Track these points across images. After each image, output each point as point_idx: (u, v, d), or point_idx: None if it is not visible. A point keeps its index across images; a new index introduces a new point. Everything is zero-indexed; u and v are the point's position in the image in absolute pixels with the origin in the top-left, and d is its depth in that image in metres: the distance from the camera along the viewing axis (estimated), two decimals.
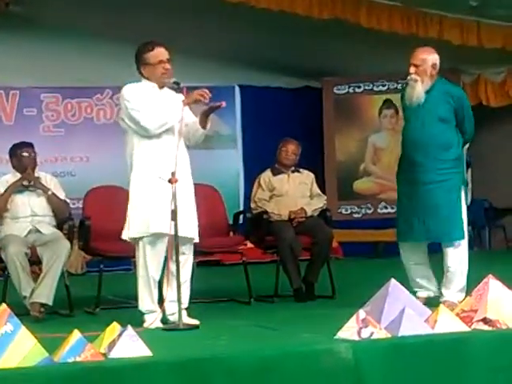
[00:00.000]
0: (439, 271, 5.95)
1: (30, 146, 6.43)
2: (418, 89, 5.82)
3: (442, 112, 5.85)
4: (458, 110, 5.88)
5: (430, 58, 5.86)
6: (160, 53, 5.40)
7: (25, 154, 6.34)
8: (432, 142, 5.80)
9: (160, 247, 5.25)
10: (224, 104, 5.34)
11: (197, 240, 5.42)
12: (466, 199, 6.03)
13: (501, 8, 9.72)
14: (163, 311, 5.32)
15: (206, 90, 5.32)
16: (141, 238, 5.29)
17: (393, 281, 4.52)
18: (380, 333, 4.09)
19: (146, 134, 5.30)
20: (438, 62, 5.88)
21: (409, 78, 5.86)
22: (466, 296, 5.44)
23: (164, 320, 5.34)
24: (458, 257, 5.85)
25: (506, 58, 11.13)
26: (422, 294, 5.89)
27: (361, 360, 3.90)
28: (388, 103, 11.91)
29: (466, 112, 5.95)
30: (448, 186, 5.82)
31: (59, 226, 6.35)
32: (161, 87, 5.43)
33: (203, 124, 5.40)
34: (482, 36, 10.33)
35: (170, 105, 5.33)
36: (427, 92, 5.85)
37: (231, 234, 7.06)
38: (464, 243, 5.89)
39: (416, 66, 5.82)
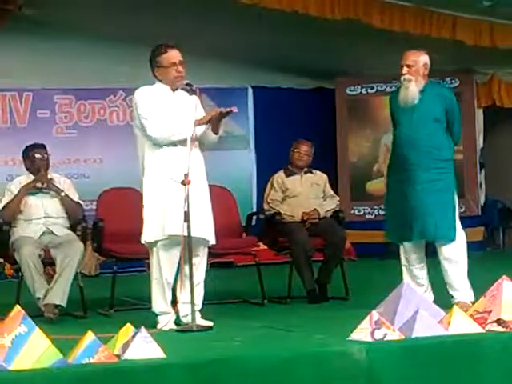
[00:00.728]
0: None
1: (43, 147, 6.45)
2: (413, 89, 5.89)
3: (436, 112, 5.92)
4: (449, 111, 5.96)
5: (421, 58, 5.93)
6: (173, 55, 5.41)
7: (37, 155, 6.36)
8: (427, 141, 5.86)
9: (174, 250, 5.26)
10: (236, 109, 5.33)
11: (213, 242, 5.42)
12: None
13: None
14: (177, 313, 5.33)
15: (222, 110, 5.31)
16: (155, 242, 5.30)
17: (406, 282, 4.52)
18: (393, 334, 4.08)
19: (153, 142, 5.31)
20: (428, 62, 5.95)
21: (402, 78, 5.92)
22: (475, 295, 5.45)
23: (177, 321, 5.35)
24: (455, 256, 5.87)
25: None
26: None
27: (374, 361, 3.90)
28: None
29: (456, 114, 6.02)
30: (442, 185, 5.87)
31: (73, 228, 6.37)
32: (174, 89, 5.44)
33: (215, 129, 5.39)
34: (495, 36, 10.28)
35: (182, 116, 5.31)
36: (421, 92, 5.91)
37: (244, 235, 7.06)
38: (459, 244, 5.88)
39: (409, 66, 5.89)
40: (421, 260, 5.99)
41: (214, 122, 5.38)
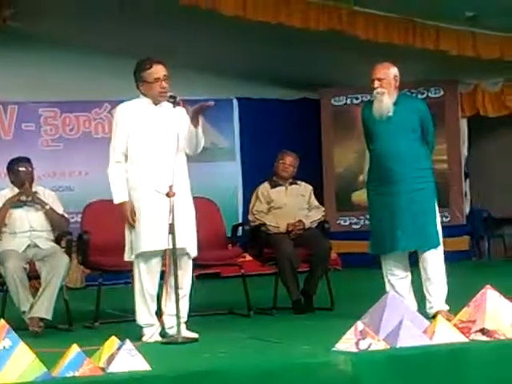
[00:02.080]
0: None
1: (27, 160, 6.45)
2: (387, 101, 5.94)
3: (412, 123, 5.98)
4: (424, 121, 6.02)
5: (391, 71, 5.99)
6: (157, 71, 5.42)
7: (22, 168, 6.36)
8: (407, 151, 5.92)
9: (154, 262, 5.28)
10: (213, 103, 5.34)
11: (194, 254, 5.42)
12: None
13: (496, 18, 9.74)
14: (162, 325, 5.33)
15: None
16: (136, 256, 5.32)
17: (391, 292, 4.54)
18: (378, 344, 4.10)
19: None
20: (398, 74, 6.01)
21: (375, 92, 5.97)
22: (460, 305, 5.49)
23: (163, 333, 5.34)
24: (439, 263, 5.94)
25: (502, 68, 11.15)
26: None
27: (359, 372, 3.91)
28: None
29: (430, 124, 6.09)
30: (425, 194, 5.95)
31: (58, 241, 6.37)
32: (158, 103, 5.46)
33: (195, 123, 5.39)
34: (478, 46, 10.34)
35: (163, 129, 5.36)
36: (394, 104, 5.96)
37: (230, 246, 7.07)
38: (441, 251, 5.96)
39: (380, 79, 5.95)
40: (404, 270, 6.02)
41: (192, 116, 5.38)
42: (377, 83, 5.94)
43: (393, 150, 5.92)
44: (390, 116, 5.94)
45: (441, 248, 5.95)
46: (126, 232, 5.40)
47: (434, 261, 5.91)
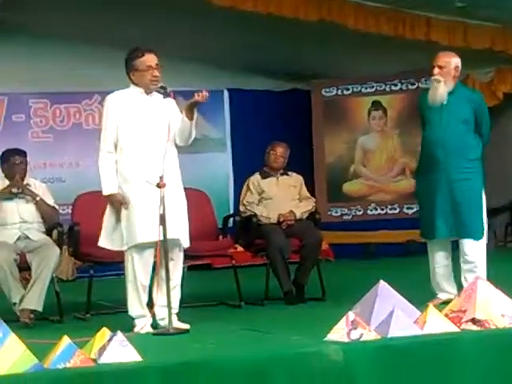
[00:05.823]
0: None
1: (23, 153, 6.43)
2: (442, 89, 6.02)
3: (465, 114, 6.06)
4: (477, 113, 6.11)
5: (453, 60, 6.09)
6: (149, 59, 5.41)
7: (17, 161, 6.34)
8: (455, 141, 6.00)
9: (147, 253, 5.27)
10: (207, 94, 5.29)
11: (187, 245, 5.42)
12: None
13: (487, 8, 9.74)
14: (153, 316, 5.32)
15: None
16: (129, 247, 5.31)
17: (382, 282, 4.54)
18: (369, 334, 4.10)
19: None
20: (460, 65, 6.10)
21: (432, 78, 6.07)
22: None
23: (154, 325, 5.35)
24: (479, 253, 6.03)
25: (493, 59, 11.15)
26: (443, 296, 5.98)
27: (351, 362, 3.91)
28: (376, 105, 11.91)
29: (484, 116, 6.17)
30: (470, 184, 6.06)
31: (48, 232, 6.35)
32: (148, 93, 5.44)
33: (189, 116, 5.37)
34: (469, 37, 10.35)
35: (154, 119, 5.35)
36: (449, 94, 6.04)
37: (221, 237, 7.06)
38: (484, 240, 6.06)
39: (440, 67, 6.04)
40: (446, 258, 6.12)
41: (187, 109, 5.36)
42: (436, 70, 6.03)
43: (441, 138, 6.01)
44: (444, 104, 6.02)
45: (483, 239, 6.03)
46: (108, 220, 5.42)
47: (474, 250, 5.99)
